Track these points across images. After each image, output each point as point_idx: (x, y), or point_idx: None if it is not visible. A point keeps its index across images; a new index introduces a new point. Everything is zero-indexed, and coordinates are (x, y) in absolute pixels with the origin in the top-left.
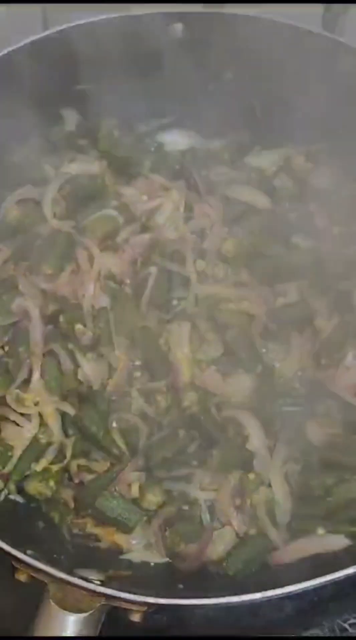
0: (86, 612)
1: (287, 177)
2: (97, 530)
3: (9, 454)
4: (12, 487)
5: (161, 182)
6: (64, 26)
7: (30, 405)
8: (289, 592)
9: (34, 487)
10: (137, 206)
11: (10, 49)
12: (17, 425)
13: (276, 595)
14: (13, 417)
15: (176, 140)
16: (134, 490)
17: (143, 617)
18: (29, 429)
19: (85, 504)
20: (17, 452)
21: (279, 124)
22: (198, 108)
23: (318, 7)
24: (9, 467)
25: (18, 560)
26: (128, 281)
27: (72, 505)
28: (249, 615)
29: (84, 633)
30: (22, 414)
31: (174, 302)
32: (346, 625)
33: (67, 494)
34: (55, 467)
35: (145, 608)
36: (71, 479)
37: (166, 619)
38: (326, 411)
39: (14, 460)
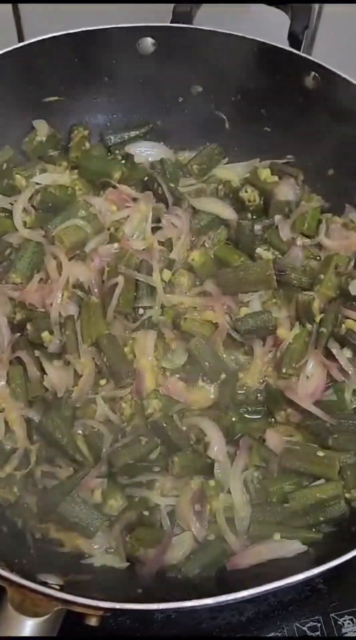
0: (43, 615)
1: (253, 190)
2: (60, 535)
3: None
4: None
5: (130, 193)
6: (36, 38)
7: None
8: (242, 598)
9: None
10: (106, 216)
11: None
12: None
13: (227, 600)
14: None
15: (145, 151)
16: (97, 496)
17: (100, 621)
18: None
19: (48, 509)
20: None
21: (247, 137)
22: (168, 120)
23: (286, 22)
24: None
25: None
26: (96, 290)
27: (35, 510)
28: (210, 619)
29: (42, 636)
30: None
31: (140, 311)
32: (305, 629)
33: (31, 500)
34: (19, 473)
35: (101, 612)
36: (34, 484)
37: (129, 621)
38: (286, 419)
39: None
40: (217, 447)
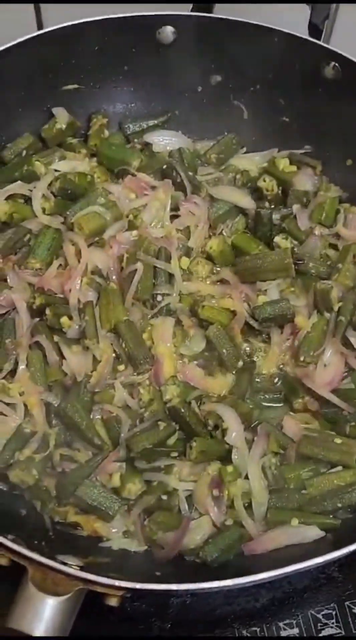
0: (64, 595)
1: (271, 179)
2: (78, 519)
3: None
4: None
5: (148, 181)
6: (55, 26)
7: (16, 395)
8: (261, 580)
9: (17, 475)
10: (124, 204)
11: (2, 47)
12: (2, 414)
13: (244, 583)
14: None
15: (163, 140)
16: (115, 480)
17: (119, 601)
18: (14, 419)
19: (67, 492)
20: (2, 441)
21: (265, 127)
22: (186, 110)
23: (306, 12)
24: None
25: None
26: (114, 277)
27: (54, 493)
28: (225, 604)
29: (62, 615)
30: (7, 404)
31: (159, 297)
32: (319, 616)
33: (50, 482)
34: (38, 456)
35: (121, 592)
36: (53, 467)
37: (145, 605)
38: (303, 407)
39: None
40: (235, 434)
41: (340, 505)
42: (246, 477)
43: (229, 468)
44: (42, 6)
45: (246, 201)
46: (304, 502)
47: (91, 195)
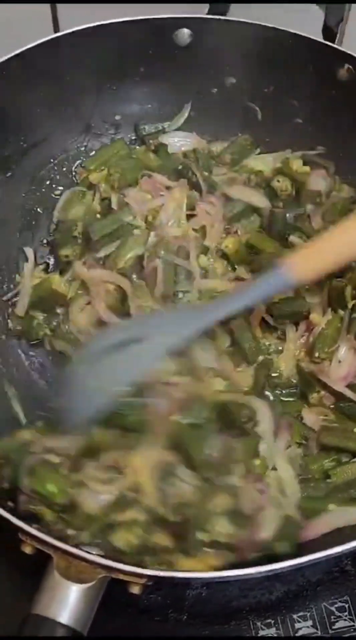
0: (88, 582)
1: (284, 179)
2: None
3: None
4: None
5: (164, 182)
6: (71, 29)
7: None
8: (304, 563)
9: None
10: (141, 205)
11: (20, 50)
12: None
13: (286, 567)
14: None
15: (178, 142)
16: None
17: (142, 590)
18: None
19: None
20: None
21: (278, 129)
22: (201, 111)
23: (320, 14)
24: None
25: (25, 533)
26: (134, 275)
27: None
28: (240, 597)
29: (86, 602)
30: None
31: (180, 294)
32: (333, 609)
33: None
34: None
35: (144, 580)
36: None
37: (160, 598)
38: (319, 401)
39: None
40: (265, 425)
41: None
42: (274, 469)
43: (256, 461)
44: (59, 8)
45: (260, 200)
46: (330, 491)
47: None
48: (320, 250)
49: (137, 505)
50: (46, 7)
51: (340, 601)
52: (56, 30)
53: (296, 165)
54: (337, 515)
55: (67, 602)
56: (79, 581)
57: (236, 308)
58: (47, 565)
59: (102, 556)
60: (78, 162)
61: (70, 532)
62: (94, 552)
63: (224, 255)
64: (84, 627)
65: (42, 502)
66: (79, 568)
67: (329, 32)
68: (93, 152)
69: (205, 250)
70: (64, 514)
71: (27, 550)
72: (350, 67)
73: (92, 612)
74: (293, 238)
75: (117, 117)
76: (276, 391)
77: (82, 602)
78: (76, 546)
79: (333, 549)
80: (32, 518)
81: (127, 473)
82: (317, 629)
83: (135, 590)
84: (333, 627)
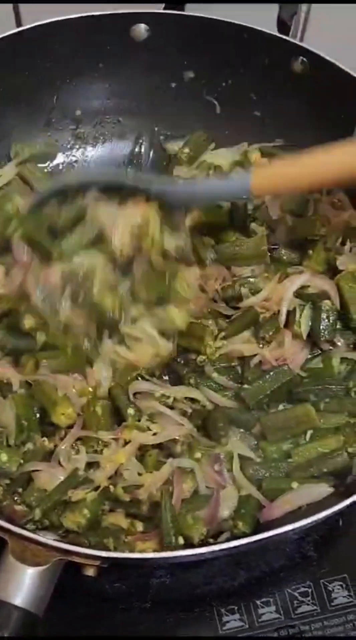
0: (43, 565)
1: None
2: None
3: None
4: None
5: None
6: (29, 25)
7: None
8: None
9: None
10: None
11: None
12: None
13: (230, 547)
14: None
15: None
16: None
17: (96, 572)
18: None
19: None
20: None
21: (237, 122)
22: (161, 105)
23: (274, 8)
24: None
25: None
26: None
27: None
28: (203, 584)
29: (41, 585)
30: None
31: None
32: (296, 594)
33: None
34: None
35: (98, 562)
36: None
37: (125, 587)
38: None
39: None
40: None
41: (325, 470)
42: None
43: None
44: (21, 5)
45: None
46: (291, 470)
47: None
48: (280, 172)
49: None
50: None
51: (302, 586)
52: (19, 25)
53: (254, 157)
54: (300, 493)
55: (22, 585)
56: (34, 564)
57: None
58: (1, 549)
59: (56, 539)
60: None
61: (19, 508)
62: (48, 536)
63: None
64: (39, 609)
65: None
66: (33, 551)
67: (283, 25)
68: None
69: None
70: (17, 489)
71: None
72: (304, 59)
73: (48, 595)
74: (254, 225)
75: (78, 113)
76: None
77: (38, 585)
78: (32, 530)
79: (290, 525)
80: None
81: None
82: (281, 614)
83: (90, 572)
84: (296, 612)
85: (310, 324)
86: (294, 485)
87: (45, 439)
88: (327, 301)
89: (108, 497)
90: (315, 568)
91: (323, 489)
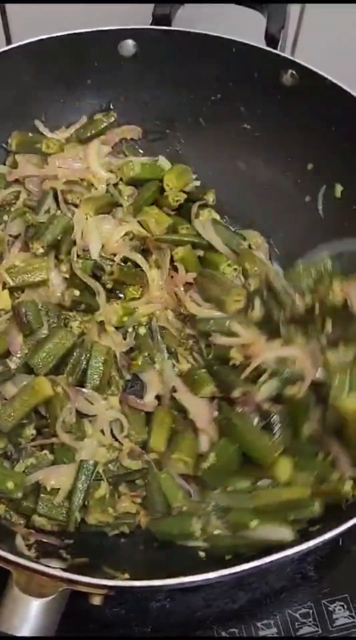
0: (49, 596)
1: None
2: None
3: None
4: None
5: None
6: (17, 43)
7: None
8: (243, 572)
9: None
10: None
11: None
12: None
13: (230, 573)
14: None
15: None
16: None
17: (103, 601)
18: None
19: None
20: None
21: (226, 135)
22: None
23: (262, 22)
24: None
25: None
26: None
27: None
28: (204, 607)
29: (48, 616)
30: None
31: None
32: (296, 615)
33: None
34: None
35: (105, 591)
36: None
37: (124, 612)
38: None
39: None
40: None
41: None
42: None
43: None
44: (10, 21)
45: None
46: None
47: None
48: None
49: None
50: None
51: (303, 607)
52: (8, 43)
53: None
54: (259, 532)
55: (28, 616)
56: (40, 595)
57: None
58: (6, 580)
59: (62, 569)
60: None
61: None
62: (54, 566)
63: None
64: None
65: None
66: (39, 582)
67: (271, 39)
68: None
69: None
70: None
71: None
72: (293, 72)
73: (55, 625)
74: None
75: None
76: None
77: (44, 616)
78: (36, 562)
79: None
80: None
81: None
82: (282, 636)
83: (96, 601)
84: (298, 634)
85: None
86: (254, 523)
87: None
88: None
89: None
90: (315, 589)
91: (284, 533)
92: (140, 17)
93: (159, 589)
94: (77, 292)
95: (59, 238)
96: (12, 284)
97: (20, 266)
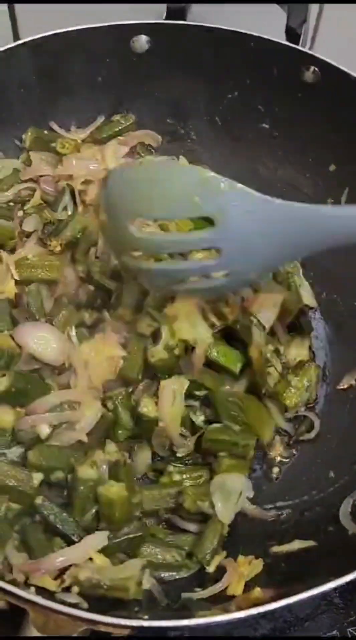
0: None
1: None
2: None
3: None
4: None
5: None
6: (28, 38)
7: None
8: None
9: None
10: None
11: None
12: None
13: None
14: None
15: None
16: None
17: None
18: None
19: None
20: None
21: (243, 134)
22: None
23: (282, 16)
24: None
25: None
26: None
27: None
28: (224, 638)
29: None
30: None
31: None
32: None
33: None
34: None
35: (128, 631)
36: None
37: None
38: None
39: None
40: None
41: None
42: None
43: None
44: (18, 17)
45: None
46: None
47: None
48: None
49: None
50: (5, 16)
51: (329, 635)
52: (16, 38)
53: None
54: None
55: None
56: (59, 636)
57: None
58: (22, 620)
59: (85, 607)
60: None
61: None
62: (73, 601)
63: None
64: None
65: None
66: (57, 622)
67: (292, 33)
68: None
69: None
70: None
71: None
72: (316, 68)
73: None
74: None
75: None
76: None
77: None
78: (52, 598)
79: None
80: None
81: None
82: None
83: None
84: None
85: None
86: None
87: None
88: None
89: None
90: (341, 616)
91: None
92: (153, 13)
93: (182, 629)
94: (91, 287)
95: (78, 236)
96: (17, 278)
97: (32, 260)
